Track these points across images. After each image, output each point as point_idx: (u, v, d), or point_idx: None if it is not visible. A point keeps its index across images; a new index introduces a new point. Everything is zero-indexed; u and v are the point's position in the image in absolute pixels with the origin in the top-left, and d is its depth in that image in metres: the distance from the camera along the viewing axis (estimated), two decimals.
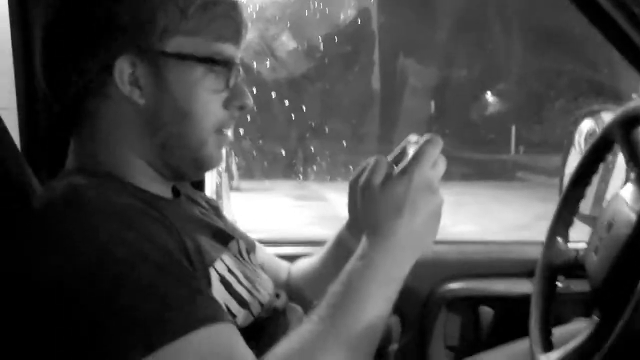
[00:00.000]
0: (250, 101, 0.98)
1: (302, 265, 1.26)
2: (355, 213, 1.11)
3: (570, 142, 1.83)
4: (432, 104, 15.62)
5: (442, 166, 0.90)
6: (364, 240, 0.89)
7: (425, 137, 0.90)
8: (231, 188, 9.28)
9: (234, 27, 0.96)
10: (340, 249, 1.13)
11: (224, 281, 0.93)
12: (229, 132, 1.01)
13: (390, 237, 0.87)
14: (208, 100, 0.94)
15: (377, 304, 0.84)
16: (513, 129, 15.59)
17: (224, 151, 1.01)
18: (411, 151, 0.91)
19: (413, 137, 0.98)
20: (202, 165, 0.98)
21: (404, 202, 0.87)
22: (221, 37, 0.94)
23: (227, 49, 0.95)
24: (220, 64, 0.94)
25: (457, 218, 7.05)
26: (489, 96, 16.65)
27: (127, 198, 0.86)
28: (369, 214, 0.90)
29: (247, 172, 11.96)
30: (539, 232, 1.33)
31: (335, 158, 12.84)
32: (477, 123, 16.07)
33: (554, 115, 15.27)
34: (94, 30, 0.90)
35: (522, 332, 1.32)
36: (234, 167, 10.12)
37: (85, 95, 0.93)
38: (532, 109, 15.85)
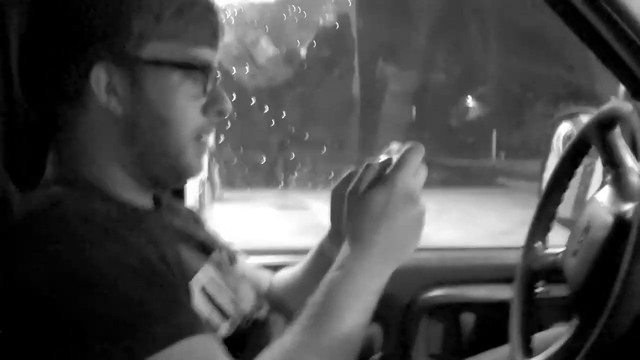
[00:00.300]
0: (229, 106, 0.97)
1: (284, 276, 1.25)
2: (336, 222, 1.11)
3: (548, 146, 1.84)
4: (414, 109, 15.68)
5: (423, 174, 0.90)
6: (343, 249, 0.89)
7: (407, 145, 0.90)
8: (214, 198, 9.26)
9: (210, 30, 0.95)
10: (322, 259, 1.12)
11: (205, 292, 0.93)
12: (209, 139, 1.00)
13: (368, 247, 0.87)
14: (186, 106, 0.92)
15: (356, 314, 0.84)
16: (494, 133, 15.68)
17: (205, 159, 1.00)
18: (394, 159, 0.90)
19: (395, 146, 0.97)
20: (182, 173, 0.97)
21: (384, 211, 0.86)
22: (198, 41, 0.93)
23: (204, 53, 0.94)
24: (197, 68, 0.92)
25: (439, 225, 7.07)
26: (469, 100, 16.75)
27: (107, 208, 0.85)
28: (349, 222, 0.90)
29: (228, 180, 11.93)
30: (522, 237, 1.33)
31: (316, 165, 12.84)
32: (457, 128, 16.15)
33: (534, 120, 15.38)
34: (68, 39, 0.89)
35: (503, 338, 1.32)
36: (216, 177, 10.09)
37: (62, 104, 0.92)
38: (512, 113, 15.96)
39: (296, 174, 12.73)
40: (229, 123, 10.86)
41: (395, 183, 0.87)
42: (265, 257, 1.63)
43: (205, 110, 0.95)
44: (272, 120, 12.76)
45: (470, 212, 9.49)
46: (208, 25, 0.95)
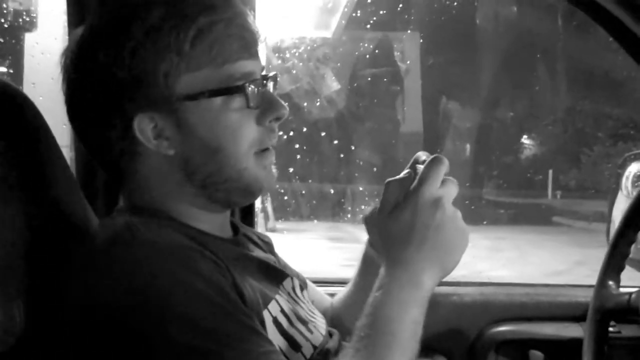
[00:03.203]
0: (285, 110, 0.95)
1: (340, 296, 1.26)
2: (373, 234, 1.12)
3: (617, 186, 1.82)
4: (468, 146, 15.55)
5: (452, 186, 0.89)
6: (380, 270, 0.89)
7: (431, 156, 0.90)
8: (267, 228, 9.29)
9: (239, 42, 0.92)
10: (370, 269, 1.10)
11: (276, 323, 0.92)
12: (273, 152, 0.99)
13: (404, 263, 0.87)
14: (237, 126, 0.92)
15: (404, 329, 0.85)
16: (550, 173, 15.42)
17: (274, 169, 0.99)
18: (419, 171, 0.91)
19: (422, 155, 0.97)
20: (249, 190, 0.96)
21: (413, 225, 0.87)
22: (228, 59, 0.91)
23: (239, 67, 0.92)
24: (232, 89, 0.91)
25: (492, 263, 6.96)
26: (527, 139, 16.53)
27: (181, 237, 0.86)
28: (383, 242, 0.91)
29: (296, 212, 11.94)
30: (577, 277, 1.31)
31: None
32: (514, 166, 15.93)
33: (592, 160, 15.08)
34: (106, 96, 0.90)
35: None
36: (269, 208, 10.13)
37: (119, 157, 0.94)
38: (570, 153, 15.68)
39: (363, 206, 12.69)
40: (298, 156, 10.94)
41: (420, 195, 0.87)
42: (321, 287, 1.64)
43: (259, 120, 0.94)
44: (341, 154, 12.76)
45: (525, 251, 9.29)
46: (235, 38, 0.92)
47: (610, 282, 1.28)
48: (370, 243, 1.15)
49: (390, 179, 0.94)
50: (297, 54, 9.56)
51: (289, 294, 1.03)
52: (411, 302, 0.86)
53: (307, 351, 0.95)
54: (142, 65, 0.88)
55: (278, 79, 0.99)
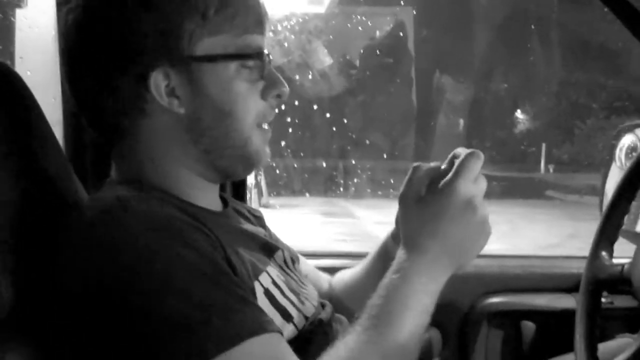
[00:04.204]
0: (286, 88, 0.98)
1: (344, 276, 1.25)
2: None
3: (610, 158, 1.81)
4: (462, 120, 15.57)
5: (483, 182, 0.90)
6: (399, 253, 0.89)
7: (468, 151, 0.90)
8: (260, 204, 9.31)
9: (255, 17, 0.95)
10: (385, 258, 1.12)
11: (268, 294, 0.92)
12: (270, 128, 1.00)
13: (425, 252, 0.88)
14: (246, 95, 0.94)
15: (414, 316, 0.85)
16: (543, 147, 15.46)
17: (268, 148, 1.00)
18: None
19: (461, 152, 0.97)
20: (251, 161, 0.98)
21: (442, 217, 0.87)
22: (246, 29, 0.94)
23: (254, 40, 0.94)
24: (251, 56, 0.94)
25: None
26: (521, 113, 16.55)
27: (172, 210, 0.86)
28: (405, 226, 0.91)
29: (288, 186, 11.96)
30: (570, 250, 1.32)
31: (375, 172, 12.81)
32: (507, 140, 15.97)
33: (585, 134, 15.12)
34: (120, 49, 0.90)
35: (564, 347, 1.31)
36: (263, 184, 10.15)
37: (122, 114, 0.93)
38: (564, 127, 15.71)
39: (356, 180, 12.67)
40: (290, 129, 10.92)
41: (455, 189, 0.87)
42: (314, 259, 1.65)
43: (263, 95, 0.96)
44: (333, 127, 12.73)
45: (518, 224, 9.35)
46: (252, 12, 0.95)
47: (603, 253, 1.28)
48: (393, 236, 1.14)
49: (418, 163, 0.94)
50: (288, 27, 9.50)
51: (280, 266, 1.03)
52: (425, 292, 0.87)
53: (298, 322, 0.95)
54: (169, 21, 0.89)
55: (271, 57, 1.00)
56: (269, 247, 1.04)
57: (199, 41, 0.90)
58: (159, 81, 0.90)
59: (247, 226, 1.06)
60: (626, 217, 1.32)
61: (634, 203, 1.29)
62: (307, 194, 11.87)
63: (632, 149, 1.76)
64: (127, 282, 0.76)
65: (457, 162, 0.91)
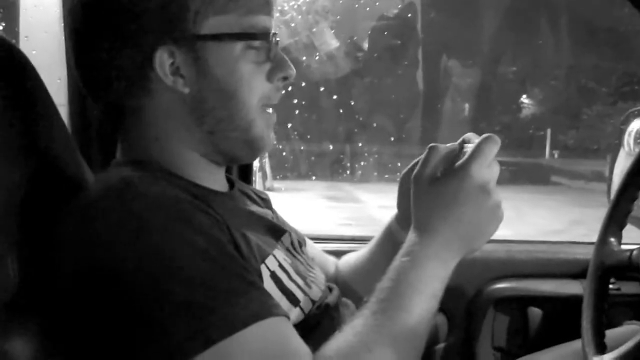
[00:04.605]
0: (293, 71, 0.97)
1: (350, 260, 1.25)
2: (404, 206, 1.11)
3: (619, 142, 1.80)
4: (467, 105, 15.51)
5: (497, 167, 0.89)
6: (409, 236, 0.89)
7: (484, 135, 0.89)
8: (265, 188, 9.31)
9: None
10: (390, 242, 1.12)
11: (274, 277, 0.92)
12: (274, 114, 1.00)
13: (436, 235, 0.87)
14: (251, 76, 0.93)
15: (424, 299, 0.85)
16: (548, 132, 15.40)
17: (273, 133, 1.00)
18: (469, 149, 0.89)
19: (471, 136, 0.96)
20: (254, 145, 0.97)
21: (455, 200, 0.86)
22: (252, 9, 0.93)
23: (260, 21, 0.94)
24: (257, 37, 0.93)
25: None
26: (526, 98, 16.48)
27: (177, 191, 0.85)
28: (417, 208, 0.90)
29: (294, 169, 11.93)
30: (575, 236, 1.31)
31: (382, 155, 12.77)
32: (513, 125, 15.92)
33: (592, 119, 15.05)
34: (125, 27, 0.89)
35: (571, 333, 1.30)
36: (267, 167, 10.15)
37: (127, 93, 0.92)
38: (570, 113, 15.64)
39: (363, 163, 12.62)
40: (296, 111, 10.86)
41: (470, 173, 0.86)
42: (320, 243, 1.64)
43: (269, 76, 0.95)
44: (340, 109, 12.65)
45: (522, 211, 9.34)
46: None
47: (612, 239, 1.27)
48: (397, 219, 1.14)
49: (435, 144, 0.93)
50: (295, 7, 9.43)
51: (287, 249, 1.03)
52: (435, 276, 0.86)
53: (305, 306, 0.95)
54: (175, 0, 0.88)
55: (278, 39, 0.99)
56: (276, 230, 1.03)
57: (204, 20, 0.90)
58: (163, 60, 0.90)
59: (254, 208, 1.06)
60: (635, 204, 1.31)
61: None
62: (313, 178, 11.85)
63: None
64: (131, 263, 0.76)
65: (469, 145, 0.91)
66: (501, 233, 0.91)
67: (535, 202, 10.45)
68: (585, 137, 14.85)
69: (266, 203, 1.15)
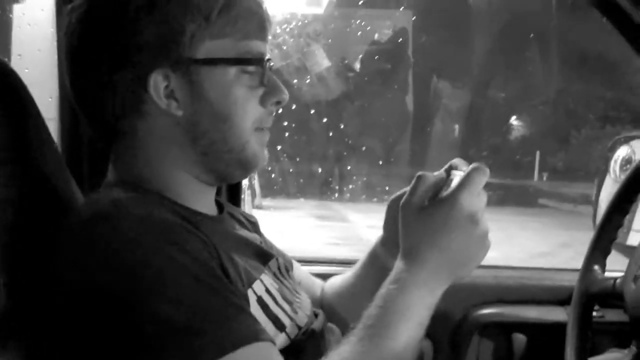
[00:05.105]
0: (286, 95, 0.98)
1: (335, 283, 1.25)
2: (390, 230, 1.11)
3: (605, 169, 1.82)
4: (457, 127, 15.58)
5: (485, 197, 0.90)
6: (397, 263, 0.89)
7: (474, 165, 0.90)
8: (253, 206, 9.29)
9: (257, 22, 0.96)
10: (375, 265, 1.13)
11: (261, 302, 0.92)
12: (268, 132, 1.01)
13: (424, 263, 0.87)
14: (245, 100, 0.94)
15: (411, 327, 0.85)
16: (537, 155, 15.49)
17: (266, 151, 1.00)
18: (457, 178, 0.91)
19: (458, 163, 0.97)
20: (248, 165, 0.98)
21: (444, 228, 0.87)
22: (247, 35, 0.94)
23: (255, 46, 0.95)
24: (251, 62, 0.94)
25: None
26: (516, 120, 16.59)
27: (167, 213, 0.86)
28: (406, 236, 0.90)
29: (283, 189, 11.92)
30: (562, 260, 1.32)
31: (371, 177, 12.79)
32: (502, 147, 16.00)
33: (580, 143, 15.16)
34: (121, 50, 0.90)
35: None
36: (256, 185, 10.13)
37: (120, 114, 0.92)
38: (558, 135, 15.74)
39: (351, 185, 12.64)
40: (286, 133, 10.87)
41: (459, 201, 0.87)
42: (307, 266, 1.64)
43: (263, 101, 0.96)
44: (330, 132, 12.69)
45: (510, 233, 9.37)
46: (255, 17, 0.95)
47: (596, 267, 1.28)
48: (382, 242, 1.14)
49: (423, 173, 0.93)
50: (287, 30, 9.47)
51: (274, 274, 1.03)
52: (422, 304, 0.87)
53: (291, 331, 0.94)
54: (171, 22, 0.89)
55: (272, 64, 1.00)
56: (264, 254, 1.04)
57: (200, 44, 0.91)
58: (158, 82, 0.90)
59: (242, 232, 1.06)
60: (620, 230, 1.32)
61: (627, 216, 1.30)
62: (302, 199, 11.85)
63: (627, 160, 1.76)
64: (121, 286, 0.76)
65: (457, 172, 0.92)
66: (489, 255, 0.92)
67: (523, 224, 10.48)
68: (574, 160, 14.95)
69: (254, 227, 1.15)
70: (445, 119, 15.33)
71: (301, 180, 12.34)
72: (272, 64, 0.97)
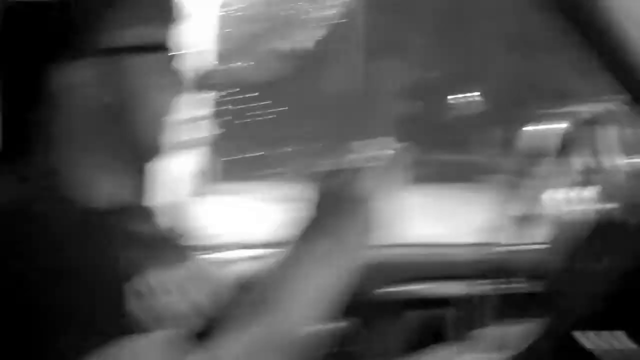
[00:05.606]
0: (200, 84, 0.99)
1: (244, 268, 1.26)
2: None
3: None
4: (401, 105, 15.67)
5: (379, 182, 0.93)
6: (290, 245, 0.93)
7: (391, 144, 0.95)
8: (205, 190, 9.23)
9: (161, 9, 0.96)
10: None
11: (159, 296, 0.91)
12: (175, 119, 0.99)
13: (313, 246, 0.91)
14: (152, 87, 0.94)
15: (300, 307, 0.87)
16: (478, 131, 15.70)
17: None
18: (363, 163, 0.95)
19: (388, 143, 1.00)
20: (154, 153, 0.98)
21: (331, 212, 0.91)
22: (150, 20, 0.94)
23: (159, 33, 0.95)
24: (157, 49, 0.94)
25: (424, 220, 7.07)
26: (460, 98, 16.77)
27: (63, 210, 0.86)
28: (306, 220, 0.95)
29: (226, 173, 11.86)
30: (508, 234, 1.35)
31: (315, 158, 12.81)
32: (447, 125, 16.18)
33: (524, 119, 15.42)
34: (40, 39, 0.90)
35: (464, 333, 1.34)
36: (208, 169, 10.05)
37: (37, 106, 0.92)
38: (502, 112, 15.98)
39: (294, 166, 12.65)
40: (230, 117, 10.75)
41: (349, 185, 0.92)
42: (252, 250, 1.65)
43: (171, 88, 0.96)
44: (274, 114, 12.62)
45: (456, 208, 9.49)
46: (159, 5, 0.96)
47: (502, 240, 1.32)
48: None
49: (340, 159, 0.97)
50: (229, 13, 9.37)
51: (168, 265, 1.02)
52: (313, 284, 0.89)
53: (193, 323, 0.95)
54: (80, 15, 0.90)
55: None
56: (158, 246, 1.00)
57: (123, 31, 0.91)
58: (74, 71, 0.91)
59: (139, 225, 1.05)
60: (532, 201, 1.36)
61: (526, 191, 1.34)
62: (248, 182, 11.81)
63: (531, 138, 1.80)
64: (16, 284, 0.77)
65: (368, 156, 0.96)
66: (438, 231, 0.94)
67: (463, 200, 10.63)
68: (511, 137, 15.17)
69: (152, 218, 1.15)
70: (390, 97, 15.42)
71: (247, 163, 12.29)
72: (180, 52, 0.98)
